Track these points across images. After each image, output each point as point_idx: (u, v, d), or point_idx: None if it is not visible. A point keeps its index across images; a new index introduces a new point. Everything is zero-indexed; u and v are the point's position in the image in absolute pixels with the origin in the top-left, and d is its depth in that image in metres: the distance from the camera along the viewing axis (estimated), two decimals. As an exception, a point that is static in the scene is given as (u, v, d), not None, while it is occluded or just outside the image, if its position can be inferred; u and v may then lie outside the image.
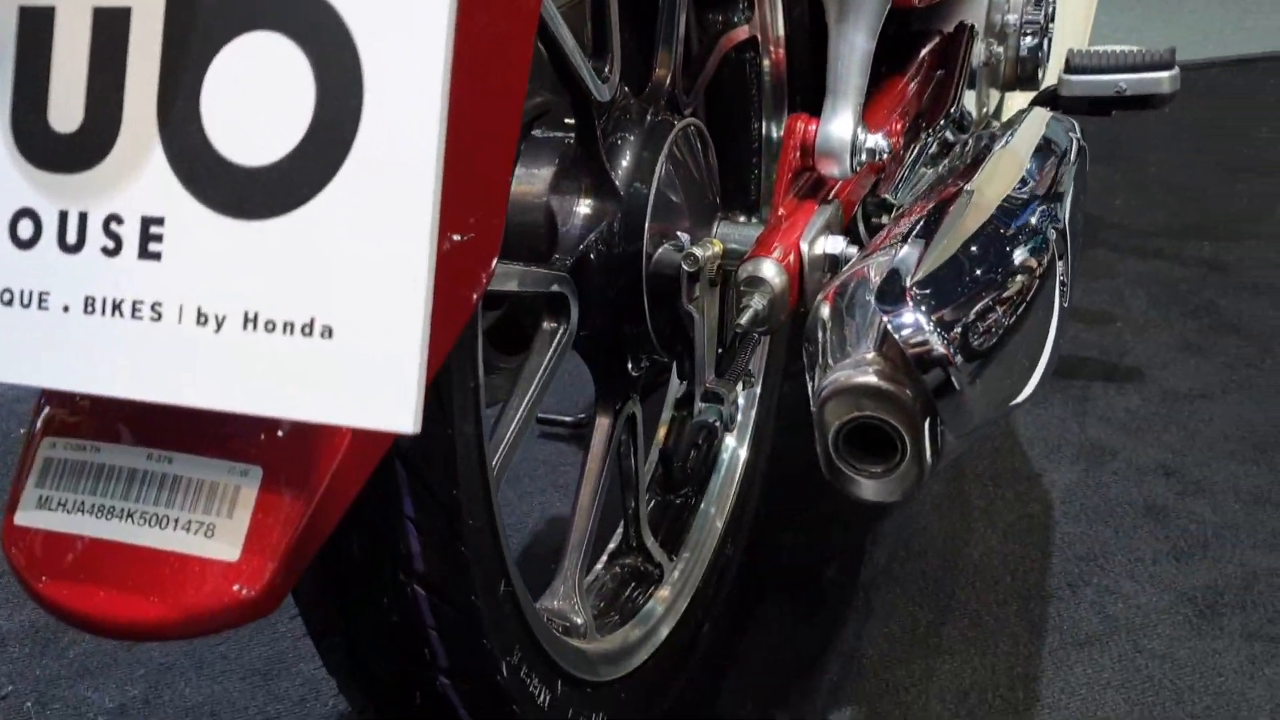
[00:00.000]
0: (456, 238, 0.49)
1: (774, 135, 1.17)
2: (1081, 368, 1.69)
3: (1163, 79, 1.45)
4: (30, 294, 0.44)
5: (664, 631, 0.95)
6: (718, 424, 0.92)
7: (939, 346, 0.58)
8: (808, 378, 0.72)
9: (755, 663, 1.13)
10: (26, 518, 0.48)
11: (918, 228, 0.76)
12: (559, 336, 0.82)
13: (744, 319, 0.81)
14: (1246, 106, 2.90)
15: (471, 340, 0.63)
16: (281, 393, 0.40)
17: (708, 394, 0.88)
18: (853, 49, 0.88)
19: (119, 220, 0.43)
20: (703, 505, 1.06)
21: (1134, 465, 1.44)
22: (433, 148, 0.40)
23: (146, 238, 0.43)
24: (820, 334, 0.72)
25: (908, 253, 0.70)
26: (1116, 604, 1.20)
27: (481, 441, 0.65)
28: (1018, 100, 1.66)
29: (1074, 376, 1.66)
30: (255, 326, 0.41)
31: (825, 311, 0.73)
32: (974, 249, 0.67)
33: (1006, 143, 0.96)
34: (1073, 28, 1.75)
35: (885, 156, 0.90)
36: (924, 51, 1.34)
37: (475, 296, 0.51)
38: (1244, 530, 1.31)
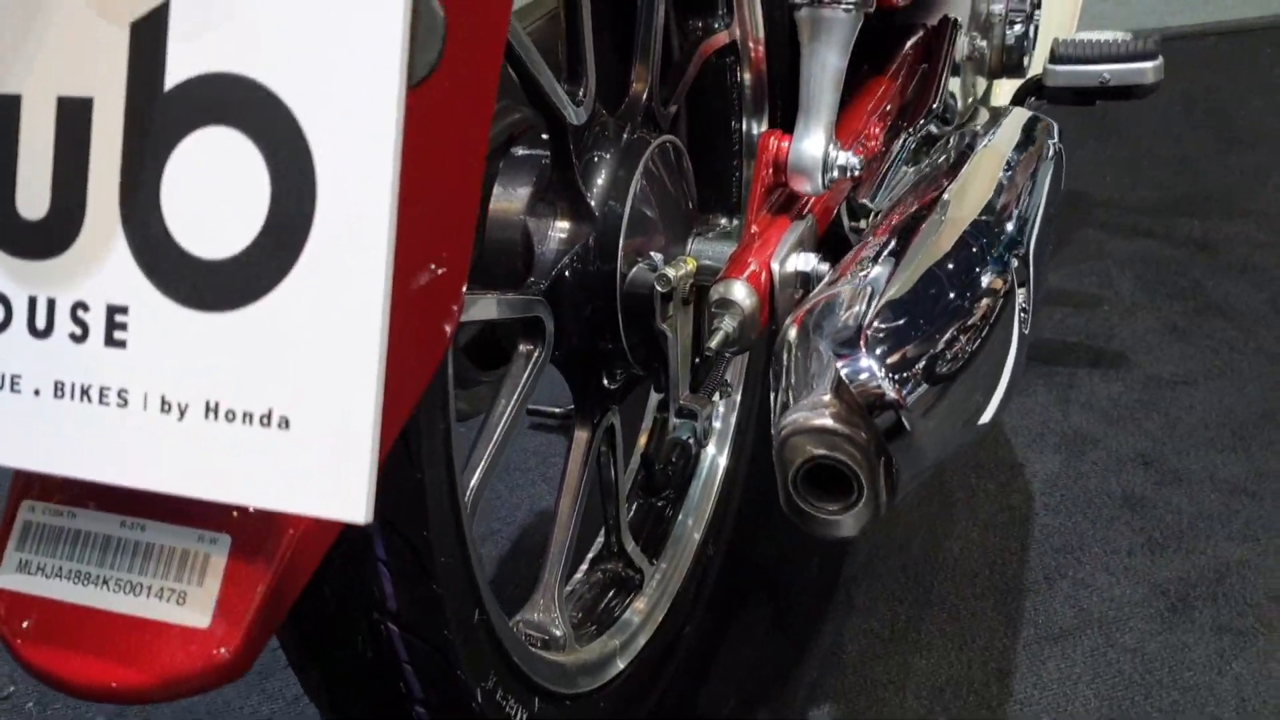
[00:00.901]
0: (424, 277, 0.50)
1: (755, 134, 1.18)
2: (1068, 353, 1.71)
3: (1146, 69, 1.45)
4: (3, 377, 0.46)
5: (644, 638, 0.97)
6: (692, 441, 0.94)
7: (891, 392, 0.59)
8: (772, 401, 0.74)
9: (737, 662, 1.16)
10: (8, 580, 0.50)
11: (885, 252, 0.78)
12: (535, 359, 0.84)
13: (715, 342, 0.82)
14: (1241, 77, 2.89)
15: (441, 382, 0.64)
16: (241, 480, 0.42)
17: (682, 410, 0.90)
18: (825, 67, 0.89)
19: (85, 308, 0.45)
20: (683, 509, 1.08)
21: (1114, 455, 1.46)
22: (383, 246, 0.41)
23: (112, 326, 0.44)
24: (786, 357, 0.74)
25: (871, 282, 0.72)
26: (1091, 597, 1.23)
27: (453, 480, 0.66)
28: (1005, 87, 1.67)
29: (1060, 362, 1.68)
30: (217, 416, 0.43)
31: (793, 334, 0.75)
32: (934, 282, 0.69)
33: (981, 153, 0.97)
34: (1060, 11, 1.75)
35: (857, 173, 0.91)
36: (906, 47, 1.34)
37: (448, 329, 0.53)
38: (1218, 521, 1.34)
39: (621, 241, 0.86)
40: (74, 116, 0.45)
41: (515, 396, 0.82)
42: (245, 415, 0.42)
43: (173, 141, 0.43)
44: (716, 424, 1.07)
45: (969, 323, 0.66)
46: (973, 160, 0.92)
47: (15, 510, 0.51)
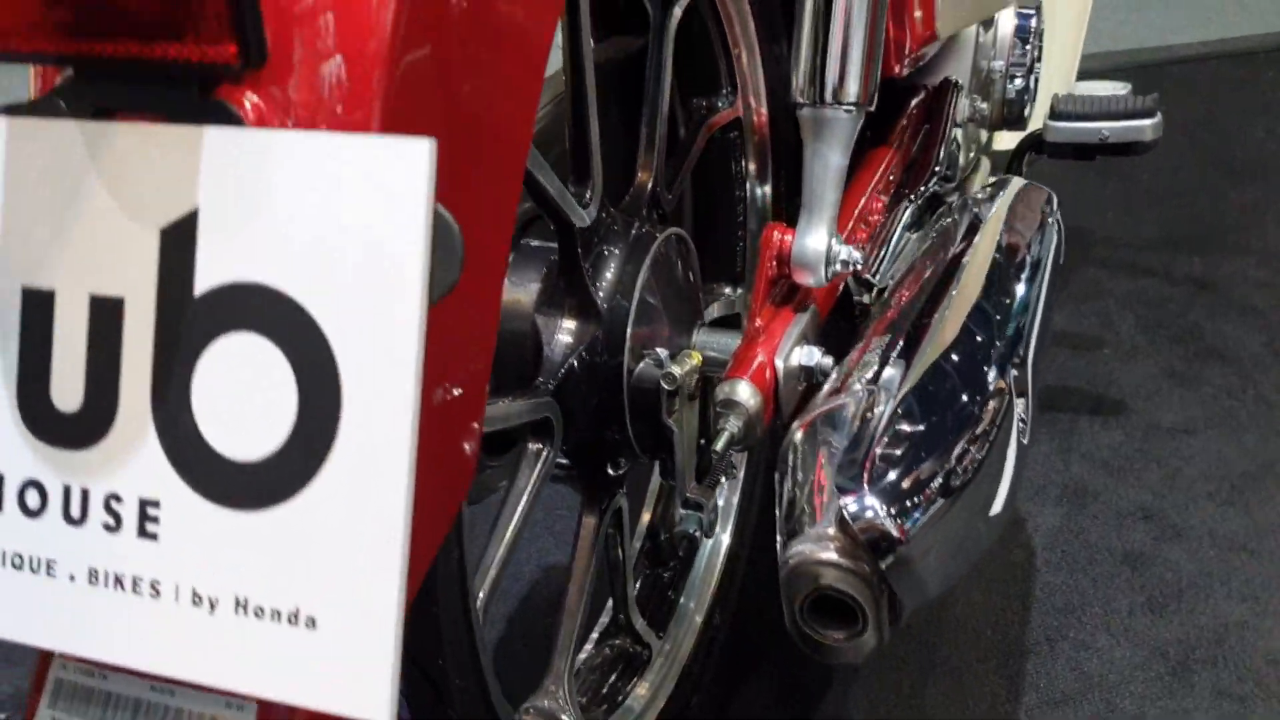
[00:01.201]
0: (444, 404, 0.53)
1: (759, 200, 1.20)
2: (1069, 399, 1.72)
3: (1145, 127, 1.47)
4: (39, 561, 0.48)
5: (651, 715, 0.99)
6: (699, 534, 0.96)
7: (893, 530, 0.61)
8: (776, 505, 0.76)
9: (742, 730, 1.18)
10: (41, 739, 0.52)
11: (887, 358, 0.79)
12: (543, 459, 0.86)
13: (720, 443, 0.84)
14: (1243, 103, 2.90)
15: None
16: (268, 675, 0.44)
17: (688, 502, 0.92)
18: (827, 167, 0.91)
19: (118, 499, 0.46)
20: (688, 585, 1.10)
21: (1114, 508, 1.48)
22: (404, 456, 0.43)
23: (144, 518, 0.46)
24: (792, 459, 0.76)
25: (873, 397, 0.73)
26: (1092, 660, 1.24)
27: (468, 605, 0.68)
28: (1006, 138, 1.69)
29: (1061, 409, 1.70)
30: (246, 611, 0.44)
31: (798, 438, 0.77)
32: (935, 404, 0.70)
33: (981, 240, 0.98)
34: (1060, 60, 1.76)
35: (859, 266, 0.93)
36: (908, 111, 1.36)
37: (469, 449, 0.55)
38: (1218, 579, 1.35)
39: (628, 340, 0.88)
40: (106, 314, 0.46)
41: (524, 499, 0.83)
42: (274, 613, 0.44)
43: (202, 345, 0.45)
44: (719, 500, 1.09)
45: (970, 446, 0.68)
46: (973, 250, 0.94)
47: (47, 667, 0.53)
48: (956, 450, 0.67)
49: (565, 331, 0.88)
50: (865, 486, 0.63)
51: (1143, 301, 1.97)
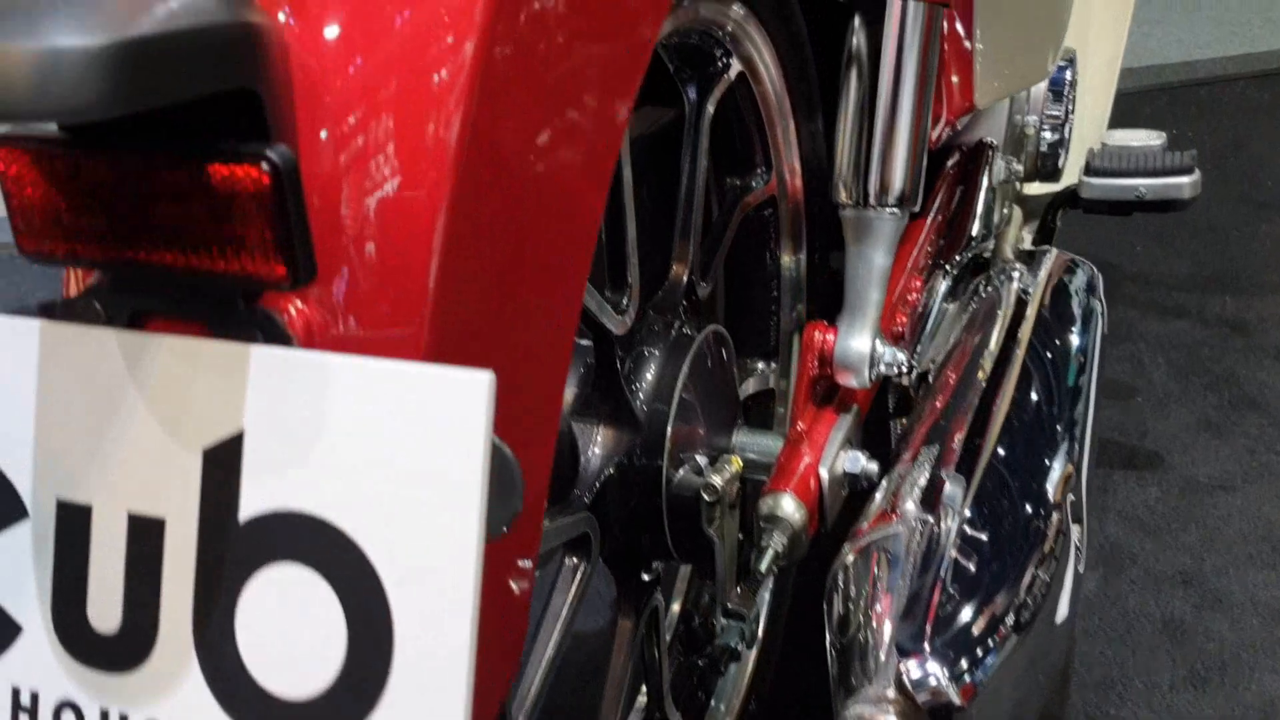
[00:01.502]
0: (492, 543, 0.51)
1: (794, 274, 1.18)
2: (1103, 452, 1.69)
3: (1183, 184, 1.44)
4: (76, 786, 0.46)
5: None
6: (740, 646, 0.93)
7: (956, 698, 0.59)
8: (827, 629, 0.74)
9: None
10: None
11: (940, 481, 0.77)
12: (580, 574, 0.84)
13: (764, 562, 0.82)
14: (1272, 128, 2.86)
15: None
16: None
17: (729, 612, 0.90)
18: (870, 268, 0.89)
19: (159, 729, 0.44)
20: (721, 684, 1.08)
21: (1152, 573, 1.45)
22: (461, 699, 0.41)
23: (188, 751, 0.44)
24: (844, 583, 0.74)
25: (928, 526, 0.71)
26: (1134, 742, 1.22)
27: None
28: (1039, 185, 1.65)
29: (1095, 463, 1.66)
30: None
31: (850, 560, 0.75)
32: (995, 549, 0.68)
33: (1027, 335, 0.95)
34: (1092, 111, 1.73)
35: (904, 369, 0.91)
36: (942, 176, 1.33)
37: (522, 590, 0.54)
38: (1262, 650, 1.32)
39: (667, 447, 0.86)
40: (146, 534, 0.44)
41: (561, 620, 0.81)
42: None
43: (247, 573, 0.43)
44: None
45: (1028, 596, 0.66)
46: (1016, 349, 0.91)
47: None
48: (1016, 603, 0.65)
49: (602, 440, 0.86)
50: (925, 648, 0.61)
51: (1175, 345, 1.94)
